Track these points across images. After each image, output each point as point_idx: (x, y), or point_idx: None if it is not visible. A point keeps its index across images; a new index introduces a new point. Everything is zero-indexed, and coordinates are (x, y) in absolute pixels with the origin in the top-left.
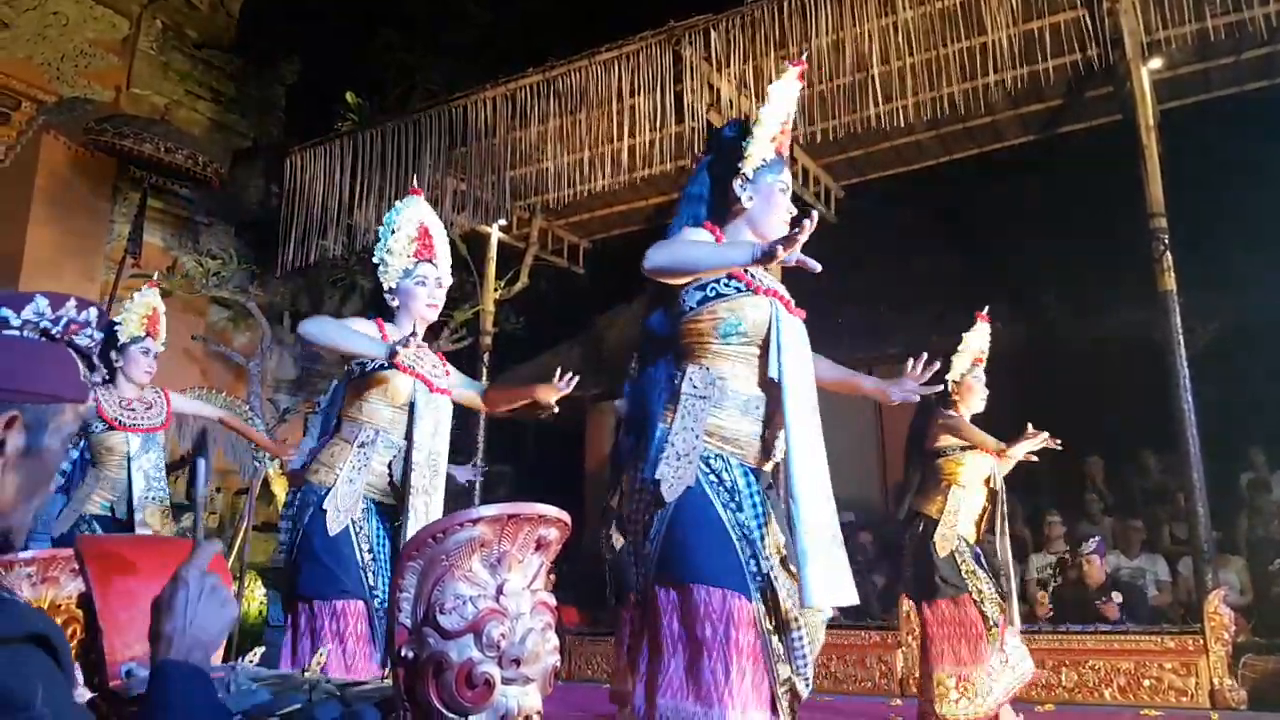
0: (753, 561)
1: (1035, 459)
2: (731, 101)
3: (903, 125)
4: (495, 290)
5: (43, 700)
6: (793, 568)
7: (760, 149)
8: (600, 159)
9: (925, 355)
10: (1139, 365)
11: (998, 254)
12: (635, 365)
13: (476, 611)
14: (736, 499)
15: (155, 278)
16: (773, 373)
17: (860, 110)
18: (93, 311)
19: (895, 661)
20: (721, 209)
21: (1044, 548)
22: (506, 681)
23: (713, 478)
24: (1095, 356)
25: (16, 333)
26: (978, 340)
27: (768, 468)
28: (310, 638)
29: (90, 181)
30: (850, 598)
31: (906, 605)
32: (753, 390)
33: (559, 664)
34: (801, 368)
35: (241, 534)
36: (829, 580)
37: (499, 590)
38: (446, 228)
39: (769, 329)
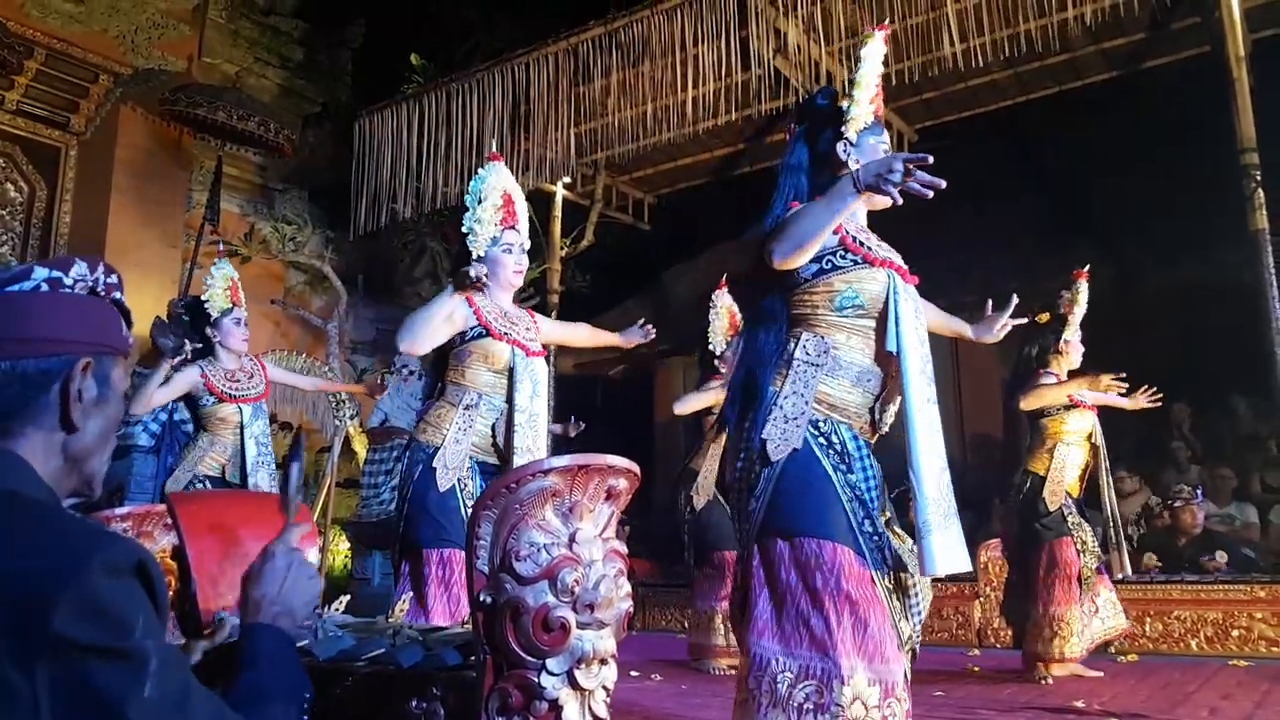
0: (867, 521)
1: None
2: (799, 46)
3: (978, 65)
4: (561, 248)
5: (141, 632)
6: (899, 531)
7: (862, 112)
8: (664, 111)
9: (1014, 300)
10: (1229, 308)
11: (1080, 196)
12: (740, 335)
13: (550, 559)
14: (847, 461)
15: (221, 246)
16: (890, 346)
17: (934, 50)
18: (115, 276)
19: (973, 612)
20: (822, 177)
21: (1124, 500)
22: (581, 626)
23: (821, 440)
24: (1182, 299)
25: (70, 290)
26: (1082, 301)
27: (874, 439)
28: (433, 584)
29: (167, 151)
30: (966, 564)
31: (985, 556)
32: (865, 362)
33: (632, 610)
34: (918, 339)
35: (325, 490)
36: (948, 551)
37: (571, 538)
38: None
39: (886, 302)
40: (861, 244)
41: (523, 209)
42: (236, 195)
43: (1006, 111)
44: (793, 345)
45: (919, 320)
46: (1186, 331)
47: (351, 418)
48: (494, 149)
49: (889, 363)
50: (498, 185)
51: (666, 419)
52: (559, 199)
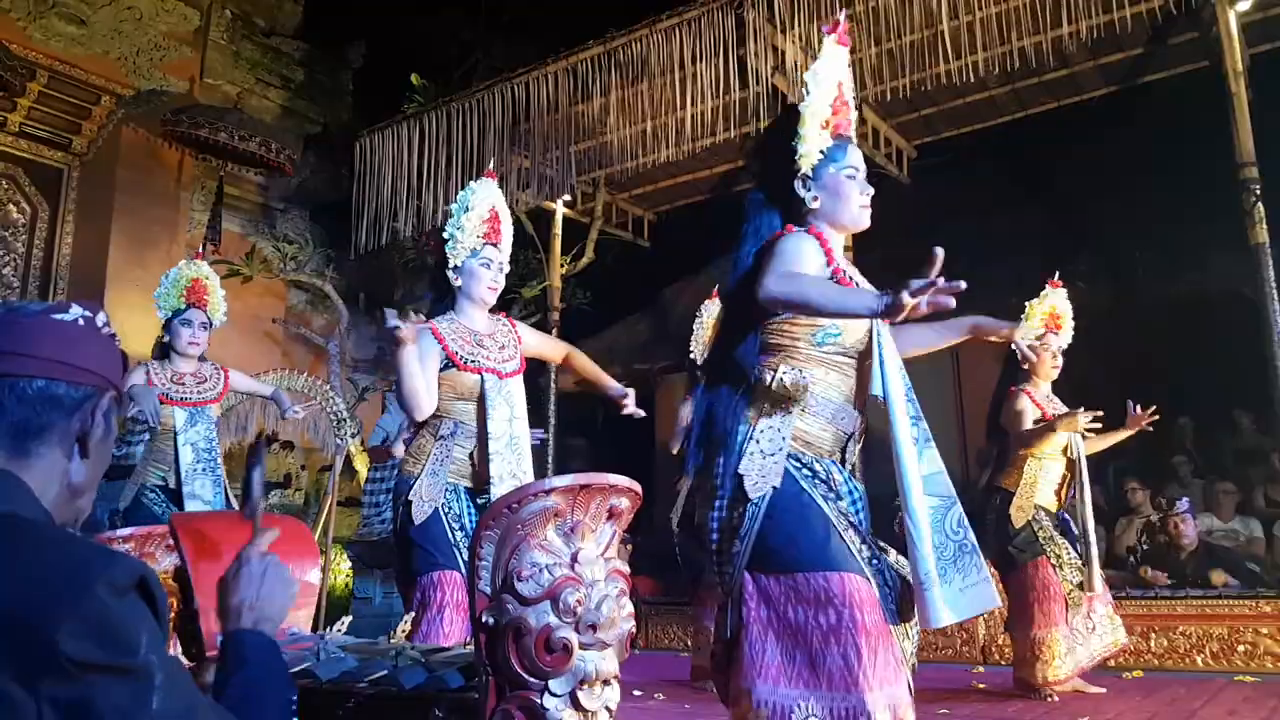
0: (864, 547)
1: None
2: (797, 63)
3: (974, 81)
4: (561, 266)
5: (146, 648)
6: (885, 546)
7: (813, 143)
8: (663, 129)
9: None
10: (1230, 322)
11: (1080, 211)
12: (707, 356)
13: (552, 579)
14: (835, 489)
15: (202, 249)
16: (876, 390)
17: (930, 67)
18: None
19: (977, 629)
20: (792, 217)
21: (1130, 514)
22: (584, 646)
23: (805, 471)
24: (1184, 314)
25: (100, 329)
26: (1045, 308)
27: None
28: (436, 608)
29: (169, 171)
30: (992, 603)
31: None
32: (840, 400)
33: (634, 630)
34: (900, 377)
35: (326, 509)
36: (959, 598)
37: (573, 558)
38: (512, 206)
39: (869, 342)
40: (851, 280)
41: (507, 229)
42: (238, 215)
43: (1005, 127)
44: (769, 377)
45: (897, 358)
46: (1187, 345)
47: (353, 436)
48: (493, 168)
49: (862, 400)
50: (486, 199)
51: (667, 437)
52: (559, 216)
